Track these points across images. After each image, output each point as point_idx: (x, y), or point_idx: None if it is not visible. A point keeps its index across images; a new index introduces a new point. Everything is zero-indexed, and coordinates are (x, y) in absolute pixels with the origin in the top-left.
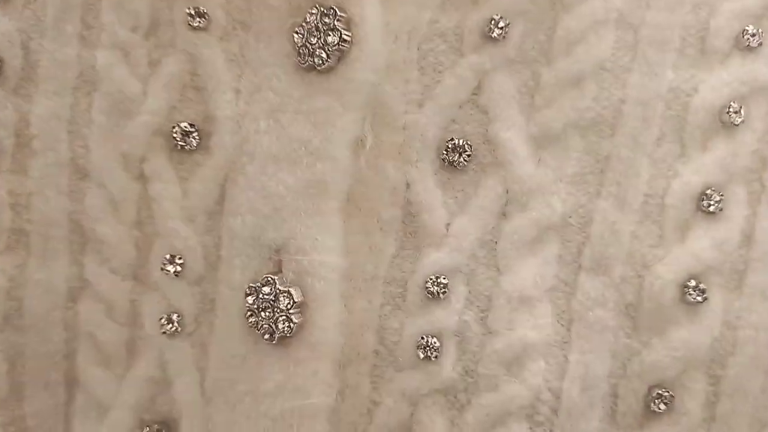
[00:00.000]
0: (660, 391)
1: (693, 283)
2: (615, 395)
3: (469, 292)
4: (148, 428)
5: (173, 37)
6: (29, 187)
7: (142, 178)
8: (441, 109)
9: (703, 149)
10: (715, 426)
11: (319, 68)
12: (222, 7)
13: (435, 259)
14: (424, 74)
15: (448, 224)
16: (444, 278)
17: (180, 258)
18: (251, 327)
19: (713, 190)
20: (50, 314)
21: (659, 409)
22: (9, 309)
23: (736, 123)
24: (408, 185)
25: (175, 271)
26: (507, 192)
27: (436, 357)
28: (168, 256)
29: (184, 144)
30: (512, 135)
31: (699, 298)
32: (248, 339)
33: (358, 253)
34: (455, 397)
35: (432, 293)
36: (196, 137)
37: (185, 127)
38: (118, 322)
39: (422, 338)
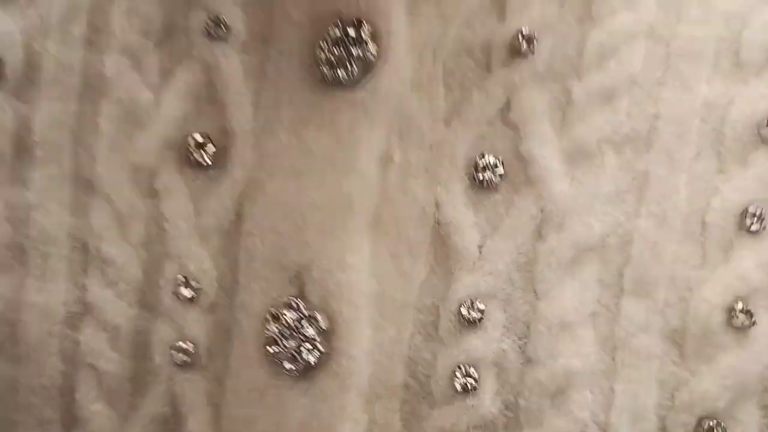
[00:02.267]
0: (711, 423)
1: (740, 305)
2: (663, 428)
3: (506, 318)
4: None
5: (188, 46)
6: (29, 200)
7: (152, 193)
8: (469, 126)
9: (742, 165)
10: None
11: (344, 82)
12: (241, 18)
13: (468, 284)
14: (451, 90)
15: (481, 246)
16: (481, 303)
17: (195, 281)
18: (272, 358)
19: (756, 207)
20: (47, 342)
21: None
22: (1, 335)
23: None
24: (437, 205)
25: (188, 297)
26: (542, 211)
27: (474, 390)
28: (182, 279)
29: (198, 158)
30: (545, 152)
31: (747, 322)
32: (268, 371)
33: (386, 279)
34: None
35: (468, 320)
36: (212, 151)
37: (200, 138)
38: (122, 353)
39: (458, 369)
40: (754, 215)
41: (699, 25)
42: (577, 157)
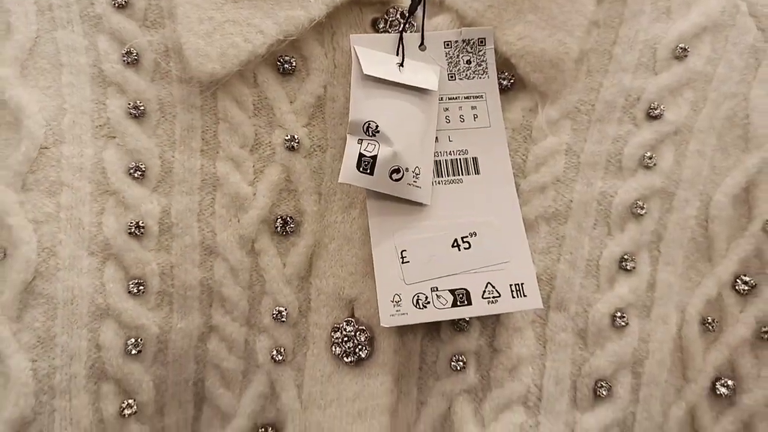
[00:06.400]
0: (602, 383)
1: (619, 314)
2: (575, 388)
3: (482, 325)
4: (262, 429)
5: (272, 154)
6: (172, 261)
7: (253, 253)
8: None
9: (621, 230)
10: (639, 405)
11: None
12: (307, 135)
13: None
14: None
15: None
16: (467, 319)
17: (283, 309)
18: (335, 355)
19: (629, 256)
20: (187, 352)
21: (603, 395)
22: (157, 350)
23: (641, 214)
24: None
25: (280, 318)
26: None
27: (464, 368)
28: (277, 309)
29: (283, 230)
30: None
31: (623, 324)
32: (333, 363)
33: None
34: (476, 394)
35: (460, 327)
36: (292, 225)
37: (283, 217)
38: (237, 356)
39: (453, 357)
40: (628, 260)
41: (597, 144)
42: (526, 226)
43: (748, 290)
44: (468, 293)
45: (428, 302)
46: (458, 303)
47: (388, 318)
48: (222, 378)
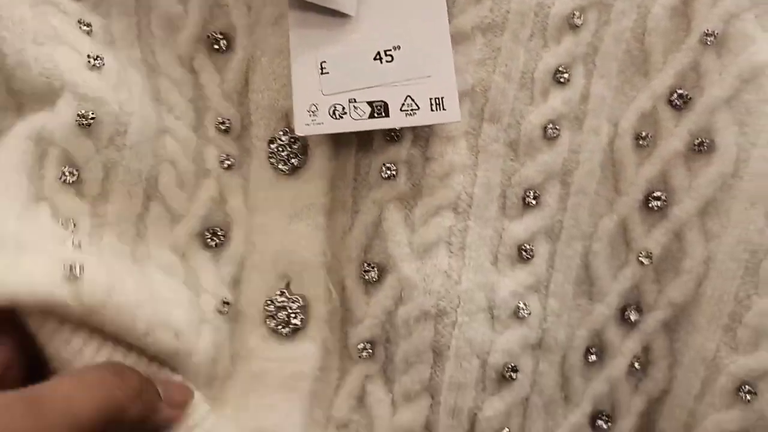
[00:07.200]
0: (531, 192)
1: (551, 126)
2: (504, 196)
3: (414, 135)
4: (210, 231)
5: None
6: (116, 68)
7: (193, 71)
8: None
9: (557, 42)
10: (567, 213)
11: None
12: None
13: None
14: None
15: None
16: (399, 130)
17: (227, 120)
18: (273, 164)
19: (563, 68)
20: (144, 143)
21: (531, 203)
22: (115, 132)
23: (578, 24)
24: None
25: (224, 130)
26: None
27: (394, 177)
28: (220, 120)
29: (216, 46)
30: None
31: (554, 134)
32: (272, 172)
33: None
34: (407, 201)
35: (392, 138)
36: (225, 42)
37: (216, 34)
38: (189, 159)
39: (384, 166)
40: (562, 72)
41: None
42: (458, 38)
43: (683, 104)
44: (386, 105)
45: (345, 113)
46: (376, 114)
47: (303, 127)
48: (176, 176)
